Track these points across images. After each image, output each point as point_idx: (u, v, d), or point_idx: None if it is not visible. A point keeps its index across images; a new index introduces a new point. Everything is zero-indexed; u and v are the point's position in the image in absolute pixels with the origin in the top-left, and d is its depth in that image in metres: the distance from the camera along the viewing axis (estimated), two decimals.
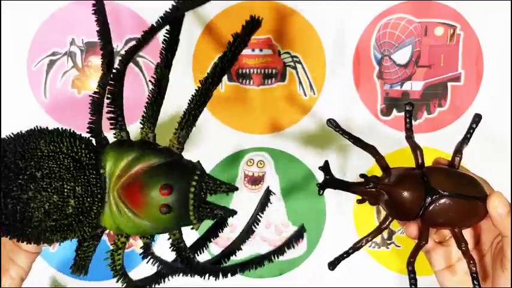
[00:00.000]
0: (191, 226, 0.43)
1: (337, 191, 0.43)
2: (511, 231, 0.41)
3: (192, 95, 0.43)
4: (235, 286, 0.70)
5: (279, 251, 0.44)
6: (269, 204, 0.47)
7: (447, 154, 0.66)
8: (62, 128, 0.43)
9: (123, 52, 0.68)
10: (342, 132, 0.44)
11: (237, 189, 0.43)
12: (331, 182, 0.43)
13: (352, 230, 0.69)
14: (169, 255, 0.44)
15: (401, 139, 0.67)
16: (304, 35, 0.68)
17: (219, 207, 0.42)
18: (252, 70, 0.68)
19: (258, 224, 0.46)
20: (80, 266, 0.46)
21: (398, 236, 0.69)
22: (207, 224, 0.46)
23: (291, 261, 0.69)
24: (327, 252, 0.69)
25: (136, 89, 0.69)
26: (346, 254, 0.45)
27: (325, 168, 0.43)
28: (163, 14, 0.43)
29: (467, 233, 0.45)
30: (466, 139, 0.45)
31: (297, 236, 0.46)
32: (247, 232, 0.46)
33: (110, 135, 0.46)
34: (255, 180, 0.69)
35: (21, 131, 0.43)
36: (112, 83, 0.44)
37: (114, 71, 0.44)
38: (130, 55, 0.44)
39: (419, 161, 0.45)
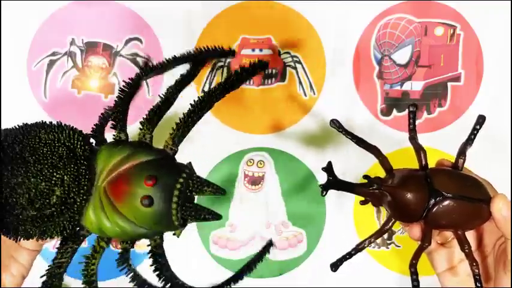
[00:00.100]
0: (173, 232, 0.42)
1: (334, 191, 0.43)
2: None
3: (195, 101, 0.44)
4: (236, 286, 0.69)
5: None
6: (267, 255, 0.48)
7: (447, 154, 0.66)
8: (64, 123, 0.44)
9: (123, 52, 0.69)
10: (345, 132, 0.44)
11: (224, 192, 0.42)
12: (335, 183, 0.43)
13: (352, 230, 0.69)
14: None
15: (401, 139, 0.67)
16: (304, 35, 0.68)
17: (204, 208, 0.41)
18: None
19: (250, 273, 0.46)
20: (52, 277, 0.43)
21: (399, 236, 0.69)
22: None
23: (291, 261, 0.69)
24: (327, 252, 0.69)
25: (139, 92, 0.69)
26: (349, 255, 0.45)
27: (329, 169, 0.43)
28: (188, 53, 0.49)
29: (470, 235, 0.45)
30: (469, 140, 0.45)
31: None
32: (238, 277, 0.47)
33: (109, 136, 0.46)
34: (255, 180, 0.69)
35: (26, 123, 0.43)
36: (127, 89, 0.45)
37: (128, 81, 0.46)
38: (150, 72, 0.47)
39: (423, 162, 0.45)
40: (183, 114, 0.44)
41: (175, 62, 0.48)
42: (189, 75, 0.48)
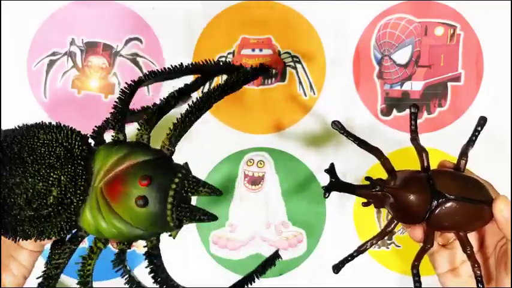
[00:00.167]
0: (169, 234, 0.42)
1: (336, 192, 0.43)
2: None
3: (193, 101, 0.44)
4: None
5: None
6: (273, 267, 0.48)
7: (447, 154, 0.66)
8: (63, 124, 0.44)
9: (123, 52, 0.69)
10: (346, 134, 0.44)
11: (221, 193, 0.41)
12: (337, 184, 0.42)
13: (352, 230, 0.69)
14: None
15: (401, 139, 0.67)
16: (304, 35, 0.68)
17: (200, 209, 0.41)
18: None
19: (253, 283, 0.45)
20: (49, 278, 0.43)
21: (399, 236, 0.69)
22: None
23: (291, 261, 0.69)
24: (327, 252, 0.69)
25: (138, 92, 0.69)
26: (351, 257, 0.45)
27: (331, 171, 0.42)
28: (204, 65, 0.50)
29: (471, 236, 0.45)
30: (471, 142, 0.45)
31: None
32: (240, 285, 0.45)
33: (108, 137, 0.46)
34: (255, 180, 0.69)
35: (26, 123, 0.43)
36: (128, 89, 0.45)
37: (131, 82, 0.46)
38: (153, 77, 0.47)
39: (425, 163, 0.45)
40: (181, 114, 0.44)
41: (180, 72, 0.48)
42: (194, 86, 0.48)
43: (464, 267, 0.46)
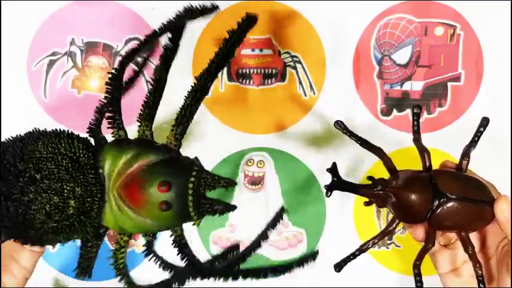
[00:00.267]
0: (192, 222, 0.43)
1: (336, 191, 0.43)
2: None
3: (189, 91, 0.44)
4: (236, 286, 0.69)
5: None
6: (281, 221, 0.48)
7: (447, 154, 0.66)
8: (59, 129, 0.43)
9: (123, 52, 0.69)
10: (349, 134, 0.44)
11: (236, 183, 0.43)
12: (339, 184, 0.43)
13: (352, 230, 0.69)
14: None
15: (401, 139, 0.67)
16: (304, 35, 0.68)
17: (219, 202, 0.42)
18: (252, 70, 0.68)
19: (266, 240, 0.47)
20: (83, 268, 0.45)
21: (399, 236, 0.69)
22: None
23: (291, 261, 0.69)
24: (327, 252, 0.69)
25: (136, 89, 0.69)
26: (353, 256, 0.45)
27: (333, 170, 0.42)
28: (166, 21, 0.45)
29: (473, 236, 0.45)
30: (473, 142, 0.45)
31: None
32: (255, 247, 0.47)
33: (108, 136, 0.46)
34: (255, 180, 0.69)
35: (19, 134, 0.43)
36: (111, 83, 0.44)
37: (113, 71, 0.45)
38: (130, 57, 0.45)
39: (427, 163, 0.45)
40: (180, 107, 0.44)
41: (154, 36, 0.46)
42: (173, 45, 0.46)
43: (466, 267, 0.46)
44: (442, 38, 0.67)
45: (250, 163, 0.69)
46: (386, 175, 0.45)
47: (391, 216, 0.45)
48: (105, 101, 0.45)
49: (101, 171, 0.42)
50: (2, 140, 0.43)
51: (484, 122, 0.44)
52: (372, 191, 0.43)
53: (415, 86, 0.67)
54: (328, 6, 0.67)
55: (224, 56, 0.43)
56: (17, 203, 0.39)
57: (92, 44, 0.69)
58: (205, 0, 0.67)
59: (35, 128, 0.43)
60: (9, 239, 0.42)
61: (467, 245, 0.43)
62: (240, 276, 0.43)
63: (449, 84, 0.67)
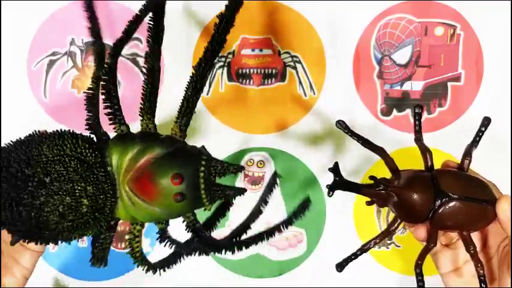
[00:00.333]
0: (204, 208, 0.44)
1: (337, 191, 0.43)
2: None
3: (188, 82, 0.44)
4: (236, 286, 0.70)
5: (288, 221, 0.47)
6: (276, 186, 0.50)
7: (447, 154, 0.66)
8: (61, 130, 0.43)
9: (123, 52, 0.68)
10: (351, 133, 0.44)
11: (243, 168, 0.45)
12: (341, 183, 0.43)
13: (352, 230, 0.69)
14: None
15: (401, 139, 0.67)
16: (304, 35, 0.68)
17: (229, 187, 0.44)
18: (252, 70, 0.68)
19: (266, 204, 0.50)
20: (99, 258, 0.46)
21: (399, 236, 0.69)
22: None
23: (291, 261, 0.69)
24: (327, 252, 0.69)
25: (136, 88, 0.69)
26: (354, 255, 0.45)
27: (335, 169, 0.42)
28: (145, 2, 0.45)
29: (474, 236, 0.45)
30: (475, 142, 0.45)
31: (302, 208, 0.48)
32: (256, 212, 0.49)
33: (111, 134, 0.46)
34: (255, 180, 0.69)
35: (20, 138, 0.43)
36: (105, 77, 0.44)
37: (105, 65, 0.45)
38: (119, 48, 0.46)
39: (429, 163, 0.45)
40: (182, 99, 0.44)
41: (137, 19, 0.46)
42: (157, 24, 0.45)
43: (467, 267, 0.46)
44: (442, 38, 0.67)
45: (250, 163, 0.69)
46: (387, 175, 0.45)
47: (391, 216, 0.45)
48: (91, 92, 0.44)
49: (109, 168, 0.42)
50: (2, 144, 0.43)
51: (486, 122, 0.44)
52: (374, 191, 0.43)
53: (415, 86, 0.67)
54: (328, 6, 0.67)
55: (218, 40, 0.44)
56: (29, 207, 0.40)
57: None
58: (206, 0, 0.67)
59: (35, 131, 0.43)
60: (23, 241, 0.43)
61: (469, 244, 0.43)
62: (247, 245, 0.46)
63: (449, 84, 0.67)
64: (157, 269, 0.45)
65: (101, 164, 0.42)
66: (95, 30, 0.47)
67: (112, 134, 0.45)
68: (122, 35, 0.46)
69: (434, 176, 0.43)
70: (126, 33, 0.46)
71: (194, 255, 0.44)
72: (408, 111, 0.68)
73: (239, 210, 0.69)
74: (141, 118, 0.45)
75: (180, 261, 0.46)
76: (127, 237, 0.45)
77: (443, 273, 0.47)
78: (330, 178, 0.43)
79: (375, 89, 0.68)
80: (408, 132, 0.68)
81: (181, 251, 0.45)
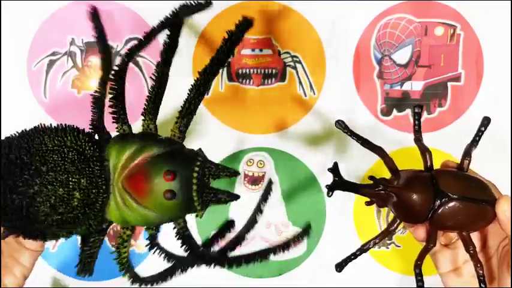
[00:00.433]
0: (195, 214, 0.43)
1: (337, 191, 0.43)
2: None
3: (192, 85, 0.44)
4: (236, 286, 0.70)
5: (284, 246, 0.45)
6: (271, 194, 0.49)
7: (447, 154, 0.66)
8: (65, 124, 0.43)
9: (123, 52, 0.69)
10: (350, 133, 0.44)
11: (238, 174, 0.44)
12: (340, 183, 0.42)
13: (352, 230, 0.69)
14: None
15: (401, 139, 0.67)
16: (304, 35, 0.68)
17: (222, 191, 0.43)
18: (252, 70, 0.68)
19: (261, 214, 0.49)
20: (85, 265, 0.46)
21: (399, 236, 0.69)
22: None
23: (291, 261, 0.69)
24: (327, 252, 0.69)
25: (136, 88, 0.69)
26: (354, 255, 0.45)
27: (334, 169, 0.42)
28: (164, 18, 0.46)
29: (474, 236, 0.45)
30: (474, 142, 0.45)
31: (302, 234, 0.47)
32: (251, 222, 0.48)
33: (112, 133, 0.46)
34: (255, 180, 0.69)
35: (25, 129, 0.43)
36: (114, 79, 0.45)
37: (115, 68, 0.45)
38: (132, 54, 0.46)
39: (428, 163, 0.45)
40: (184, 101, 0.44)
41: (153, 33, 0.47)
42: (171, 42, 0.47)
43: (467, 267, 0.46)
44: (442, 38, 0.67)
45: (250, 163, 0.69)
46: (387, 175, 0.45)
47: (391, 216, 0.45)
48: (98, 94, 0.45)
49: (106, 163, 0.42)
50: (7, 135, 0.43)
51: (485, 122, 0.44)
52: (373, 191, 0.43)
53: (415, 86, 0.67)
54: (328, 6, 0.67)
55: (224, 54, 0.44)
56: (22, 196, 0.40)
57: (92, 44, 0.69)
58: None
59: (40, 124, 0.43)
60: (12, 234, 0.42)
61: (468, 244, 0.43)
62: (238, 263, 0.44)
63: (449, 84, 0.67)
64: (144, 283, 0.44)
65: (98, 158, 0.42)
66: (100, 35, 0.48)
67: (114, 134, 0.46)
68: (137, 44, 0.47)
69: (434, 176, 0.43)
70: (141, 43, 0.47)
71: (184, 269, 0.44)
72: (408, 111, 0.68)
73: (239, 210, 0.69)
74: (143, 118, 0.45)
75: (170, 278, 0.45)
76: (112, 248, 0.44)
77: (443, 273, 0.47)
78: (329, 178, 0.43)
79: (375, 89, 0.68)
80: (408, 132, 0.68)
81: (173, 267, 0.44)
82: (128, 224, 0.44)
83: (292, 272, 0.70)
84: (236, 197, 0.44)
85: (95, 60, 0.69)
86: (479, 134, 0.44)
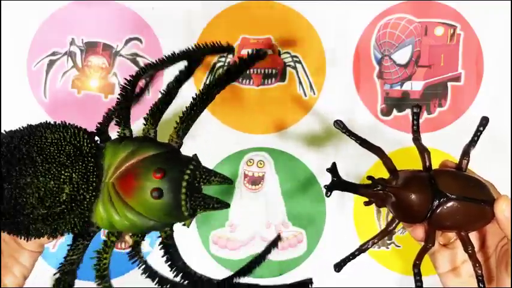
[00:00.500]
0: (183, 223, 0.42)
1: (336, 191, 0.43)
2: None
3: (196, 94, 0.45)
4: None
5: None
6: (276, 249, 0.49)
7: (447, 154, 0.66)
8: (67, 122, 0.44)
9: (123, 52, 0.69)
10: (348, 133, 0.44)
11: (231, 182, 0.43)
12: (339, 184, 0.42)
13: (352, 230, 0.69)
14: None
15: (401, 139, 0.67)
16: (304, 35, 0.68)
17: (212, 197, 0.42)
18: (252, 70, 0.68)
19: (259, 265, 0.48)
20: (63, 272, 0.43)
21: (398, 236, 0.69)
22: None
23: (291, 261, 0.69)
24: (327, 252, 0.69)
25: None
26: (352, 255, 0.45)
27: (333, 170, 0.42)
28: (185, 50, 0.49)
29: (472, 236, 0.45)
30: (473, 142, 0.45)
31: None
32: (247, 271, 0.48)
33: (113, 135, 0.46)
34: (255, 180, 0.69)
35: (30, 124, 0.43)
36: (127, 88, 0.46)
37: (129, 78, 0.46)
38: (144, 71, 0.47)
39: (427, 163, 0.45)
40: (186, 107, 0.45)
41: (173, 59, 0.48)
42: (187, 72, 0.48)
43: (465, 266, 0.46)
44: (442, 38, 0.67)
45: (250, 163, 0.69)
46: (386, 175, 0.45)
47: (390, 216, 0.45)
48: (114, 108, 0.46)
49: (101, 162, 0.42)
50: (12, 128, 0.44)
51: (484, 122, 0.44)
52: (372, 191, 0.43)
53: (415, 86, 0.67)
54: (328, 6, 0.67)
55: (231, 73, 0.46)
56: (13, 186, 0.40)
57: (92, 44, 0.69)
58: (207, 0, 0.67)
59: (46, 120, 0.44)
60: None
61: (467, 244, 0.43)
62: None
63: (449, 84, 0.67)
64: None
65: (93, 155, 0.42)
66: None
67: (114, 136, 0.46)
68: (157, 62, 0.48)
69: (432, 176, 0.43)
70: (162, 62, 0.49)
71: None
72: (408, 111, 0.68)
73: (239, 210, 0.69)
74: (145, 123, 0.45)
75: None
76: (97, 249, 0.43)
77: (442, 273, 0.47)
78: (329, 178, 0.43)
79: (375, 89, 0.68)
80: (408, 132, 0.67)
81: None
82: (115, 229, 0.43)
83: (292, 272, 0.70)
84: (226, 205, 0.43)
85: (95, 60, 0.69)
86: (477, 133, 0.44)
